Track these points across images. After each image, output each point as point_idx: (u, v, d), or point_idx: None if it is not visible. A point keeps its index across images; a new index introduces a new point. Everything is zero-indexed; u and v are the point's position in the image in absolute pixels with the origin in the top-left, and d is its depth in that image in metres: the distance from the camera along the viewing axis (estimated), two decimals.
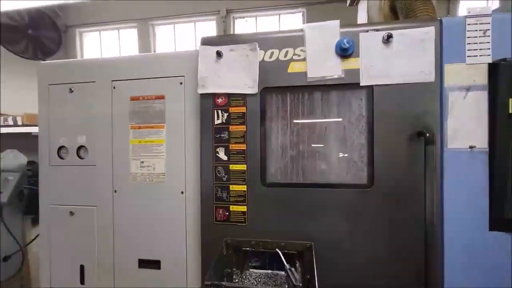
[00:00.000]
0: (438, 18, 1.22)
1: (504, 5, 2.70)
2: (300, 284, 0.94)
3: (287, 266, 1.04)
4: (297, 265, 1.25)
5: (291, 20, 4.58)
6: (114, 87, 1.53)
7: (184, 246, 1.45)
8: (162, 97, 1.48)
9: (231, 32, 4.60)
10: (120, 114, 1.52)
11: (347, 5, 2.33)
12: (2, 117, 4.90)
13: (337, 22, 1.27)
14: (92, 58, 1.62)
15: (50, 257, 1.60)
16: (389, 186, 1.21)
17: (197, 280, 1.43)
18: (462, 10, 3.67)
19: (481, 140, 1.16)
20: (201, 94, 1.37)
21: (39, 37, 4.88)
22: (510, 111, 1.10)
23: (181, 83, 1.46)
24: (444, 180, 1.18)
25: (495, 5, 2.95)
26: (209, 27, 4.79)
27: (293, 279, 0.96)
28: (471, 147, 1.17)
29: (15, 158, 2.17)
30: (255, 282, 1.25)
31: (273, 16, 4.70)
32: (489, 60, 1.16)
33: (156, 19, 5.07)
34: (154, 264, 1.47)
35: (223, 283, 1.04)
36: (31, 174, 2.25)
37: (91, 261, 1.54)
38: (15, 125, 4.77)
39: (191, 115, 1.44)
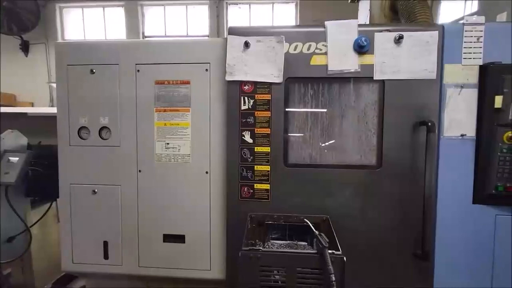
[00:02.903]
0: (441, 24, 1.41)
1: (482, 7, 2.99)
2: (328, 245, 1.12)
3: (316, 232, 1.21)
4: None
5: (284, 10, 4.66)
6: (138, 71, 1.57)
7: (208, 222, 1.57)
8: (188, 82, 1.55)
9: (224, 18, 4.59)
10: (144, 97, 1.57)
11: (349, 1, 2.48)
12: None
13: (356, 21, 1.42)
14: (115, 40, 1.63)
15: (72, 234, 1.64)
16: (395, 167, 1.42)
17: (219, 252, 1.57)
18: (443, 10, 3.99)
19: (471, 129, 1.39)
20: (229, 81, 1.47)
21: (14, 10, 4.53)
22: (495, 106, 1.33)
23: (206, 69, 1.54)
24: (439, 163, 1.41)
25: (474, 6, 3.26)
26: (201, 11, 4.73)
27: (322, 242, 1.13)
28: (462, 135, 1.40)
29: (16, 139, 2.12)
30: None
31: (266, 5, 4.75)
32: (480, 62, 1.38)
33: None
34: (179, 239, 1.58)
35: (260, 248, 1.19)
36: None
37: (115, 237, 1.62)
38: None
39: (216, 100, 1.54)
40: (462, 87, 1.39)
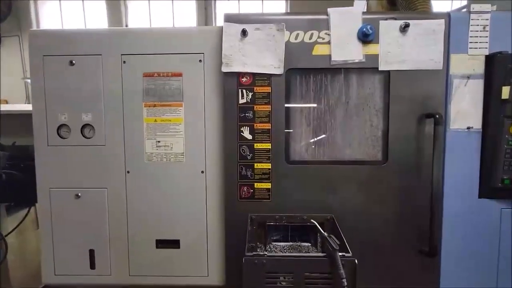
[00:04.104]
0: (447, 12, 1.35)
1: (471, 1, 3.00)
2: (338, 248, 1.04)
3: (325, 234, 1.13)
4: (318, 235, 1.35)
5: (274, 6, 4.55)
6: (124, 62, 1.43)
7: (205, 225, 1.47)
8: (180, 75, 1.43)
9: (213, 13, 4.43)
10: (131, 91, 1.44)
11: None
12: None
13: (360, 9, 1.34)
14: (98, 28, 1.48)
15: (53, 243, 1.49)
16: (401, 162, 1.36)
17: (217, 257, 1.47)
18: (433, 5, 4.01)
19: (477, 122, 1.35)
20: (225, 73, 1.36)
21: None
22: (502, 97, 1.29)
23: (200, 60, 1.42)
24: (445, 156, 1.36)
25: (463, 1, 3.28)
26: (187, 4, 4.53)
27: (333, 244, 1.05)
28: (468, 128, 1.35)
29: None
30: (281, 252, 1.32)
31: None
32: (486, 52, 1.33)
33: None
34: (173, 244, 1.47)
35: (265, 253, 1.10)
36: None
37: (102, 244, 1.48)
38: None
39: (212, 94, 1.43)
40: (468, 77, 1.35)
